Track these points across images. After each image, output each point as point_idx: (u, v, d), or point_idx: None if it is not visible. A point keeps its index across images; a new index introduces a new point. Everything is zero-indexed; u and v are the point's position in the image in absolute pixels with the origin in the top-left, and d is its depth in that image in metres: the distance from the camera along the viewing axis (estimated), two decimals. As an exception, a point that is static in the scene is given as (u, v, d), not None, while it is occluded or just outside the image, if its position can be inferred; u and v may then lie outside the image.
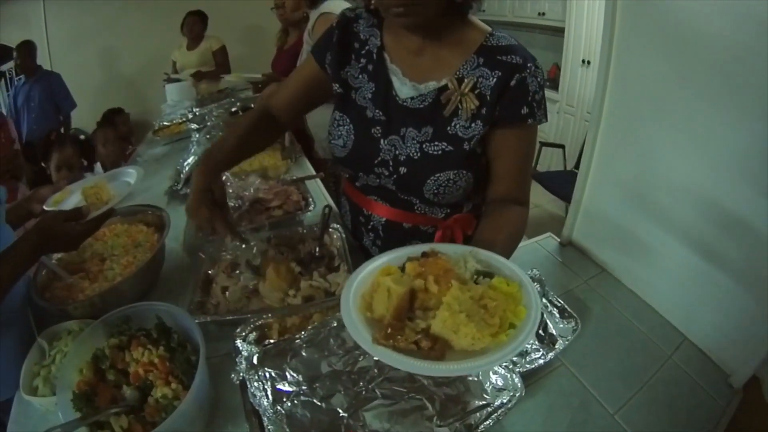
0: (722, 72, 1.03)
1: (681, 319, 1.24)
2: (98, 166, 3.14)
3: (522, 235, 1.03)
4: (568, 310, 1.18)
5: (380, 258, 0.85)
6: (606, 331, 1.20)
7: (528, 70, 0.98)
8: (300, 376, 0.90)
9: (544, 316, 1.14)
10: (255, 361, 0.93)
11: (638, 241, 1.33)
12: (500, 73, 0.99)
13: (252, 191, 1.63)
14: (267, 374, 0.90)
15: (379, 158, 1.12)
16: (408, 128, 1.08)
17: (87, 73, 5.42)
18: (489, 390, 0.91)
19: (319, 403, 0.86)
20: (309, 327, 1.00)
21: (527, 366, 1.02)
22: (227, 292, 1.19)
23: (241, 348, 0.96)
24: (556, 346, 1.08)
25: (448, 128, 1.04)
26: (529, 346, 1.06)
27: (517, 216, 1.03)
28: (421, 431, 0.83)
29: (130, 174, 1.42)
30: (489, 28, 1.05)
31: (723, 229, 1.10)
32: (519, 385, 0.93)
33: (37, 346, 1.10)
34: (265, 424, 0.84)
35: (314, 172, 2.06)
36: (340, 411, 0.85)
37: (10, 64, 4.75)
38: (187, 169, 1.98)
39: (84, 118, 4.97)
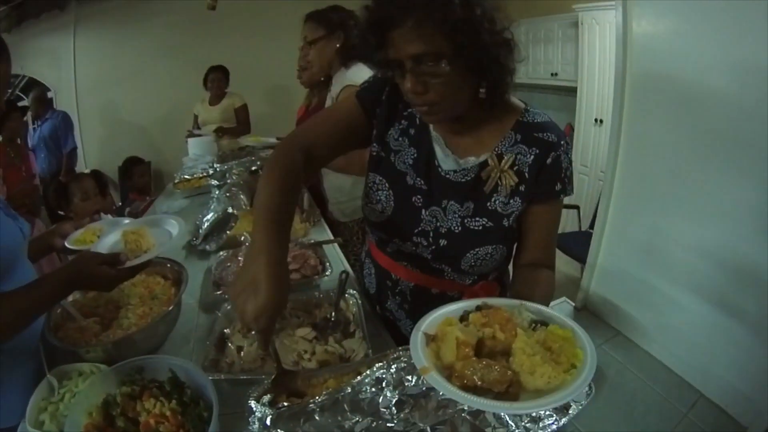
0: (733, 130, 1.11)
1: (697, 376, 1.25)
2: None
3: (552, 296, 1.10)
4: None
5: (438, 311, 0.91)
6: (621, 395, 1.21)
7: (562, 147, 1.08)
8: (312, 440, 0.92)
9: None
10: (268, 422, 0.96)
11: (653, 300, 1.36)
12: (537, 151, 1.07)
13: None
14: (279, 437, 0.93)
15: (420, 228, 1.18)
16: (450, 201, 1.14)
17: (109, 115, 5.72)
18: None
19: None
20: (323, 392, 1.03)
21: None
22: (242, 352, 1.23)
23: (254, 408, 0.99)
24: (570, 411, 1.08)
25: (489, 204, 1.12)
26: (542, 412, 1.08)
27: (547, 278, 1.11)
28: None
29: (172, 224, 1.47)
30: (522, 104, 1.14)
31: (739, 284, 1.14)
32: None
33: (47, 382, 1.14)
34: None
35: (332, 236, 2.13)
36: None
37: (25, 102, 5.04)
38: (206, 225, 2.06)
39: (106, 162, 5.25)
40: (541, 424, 1.06)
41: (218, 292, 1.56)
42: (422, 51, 0.93)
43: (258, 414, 0.98)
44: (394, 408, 0.92)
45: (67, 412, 1.05)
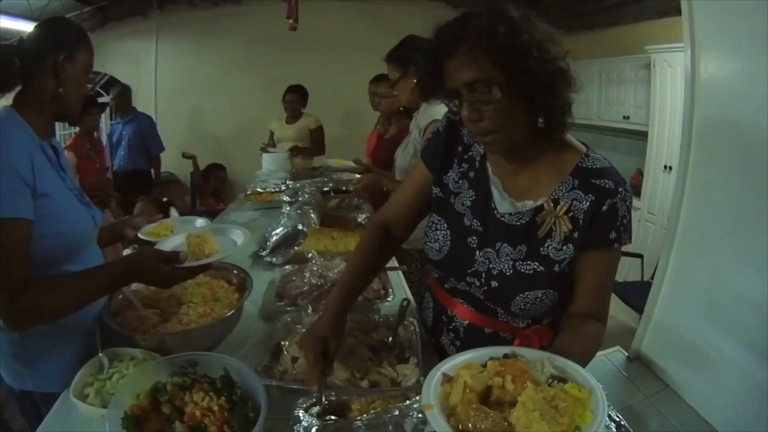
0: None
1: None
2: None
3: (597, 351, 1.09)
4: (625, 425, 1.15)
5: (465, 354, 0.95)
6: (661, 450, 1.15)
7: (619, 195, 1.07)
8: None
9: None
10: (313, 432, 0.98)
11: (704, 354, 1.32)
12: (593, 198, 1.08)
13: (335, 272, 1.74)
14: (322, 448, 0.94)
15: (473, 268, 1.21)
16: (504, 243, 1.17)
17: (185, 121, 6.11)
18: None
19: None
20: (371, 411, 1.04)
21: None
22: (296, 363, 1.25)
23: (302, 418, 1.01)
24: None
25: (541, 249, 1.13)
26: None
27: (595, 332, 1.09)
28: None
29: (238, 234, 1.53)
30: (584, 148, 1.15)
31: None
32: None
33: (98, 359, 1.21)
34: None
35: (397, 263, 2.14)
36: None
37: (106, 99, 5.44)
38: (274, 238, 2.14)
39: (179, 166, 5.65)
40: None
41: (280, 303, 1.61)
42: (473, 78, 1.00)
43: (305, 423, 1.00)
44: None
45: (113, 390, 1.12)
